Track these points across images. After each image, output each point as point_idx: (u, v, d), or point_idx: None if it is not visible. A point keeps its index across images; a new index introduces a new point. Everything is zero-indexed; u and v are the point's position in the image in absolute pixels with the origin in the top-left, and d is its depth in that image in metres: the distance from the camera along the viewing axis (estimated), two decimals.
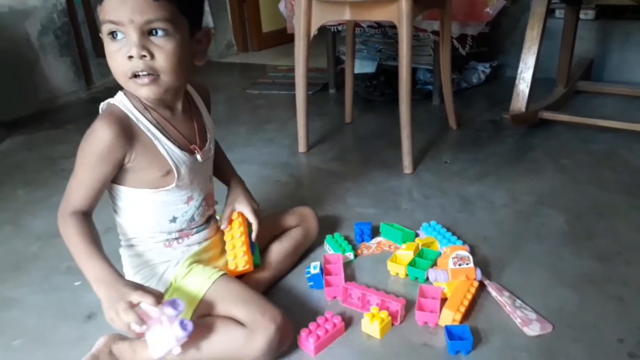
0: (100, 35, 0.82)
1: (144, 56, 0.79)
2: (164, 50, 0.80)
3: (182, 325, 0.79)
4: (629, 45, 2.45)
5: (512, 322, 0.97)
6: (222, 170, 1.12)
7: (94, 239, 0.84)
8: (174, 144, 0.90)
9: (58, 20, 2.54)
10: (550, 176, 1.58)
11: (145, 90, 0.82)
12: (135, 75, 0.80)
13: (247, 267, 1.00)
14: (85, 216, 0.86)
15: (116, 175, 0.88)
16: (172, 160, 0.89)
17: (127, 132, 0.85)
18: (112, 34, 0.79)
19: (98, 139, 0.83)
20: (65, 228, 0.85)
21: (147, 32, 0.79)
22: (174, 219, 0.95)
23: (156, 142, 0.88)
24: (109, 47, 0.80)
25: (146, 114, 0.88)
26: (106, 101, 0.89)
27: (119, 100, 0.88)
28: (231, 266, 1.01)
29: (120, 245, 0.99)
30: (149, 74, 0.80)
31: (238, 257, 1.01)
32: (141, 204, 0.92)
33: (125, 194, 0.91)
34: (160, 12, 0.78)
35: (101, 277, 0.80)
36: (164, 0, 0.78)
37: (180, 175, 0.91)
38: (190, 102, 0.98)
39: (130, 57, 0.79)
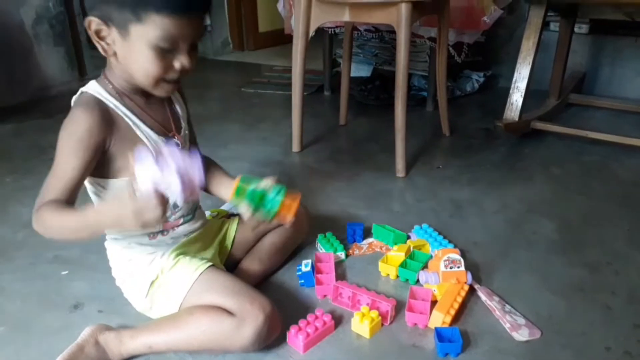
0: (115, 32, 0.79)
1: None
2: (195, 57, 0.85)
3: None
4: (620, 61, 2.49)
5: (501, 327, 0.97)
6: (220, 179, 1.03)
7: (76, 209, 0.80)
8: (150, 129, 0.90)
9: (53, 9, 2.52)
10: (541, 185, 1.60)
11: (168, 91, 0.88)
12: (165, 80, 0.84)
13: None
14: (63, 202, 0.80)
15: (96, 168, 0.86)
16: (151, 144, 0.89)
17: (105, 116, 0.84)
18: (161, 49, 0.79)
19: (77, 124, 0.82)
20: (43, 216, 0.79)
21: None
22: None
23: (134, 127, 0.88)
24: (150, 51, 0.79)
25: (121, 101, 0.87)
26: (79, 91, 0.88)
27: (93, 88, 0.87)
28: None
29: (105, 239, 0.98)
30: (179, 79, 0.85)
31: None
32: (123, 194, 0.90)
33: (107, 185, 0.89)
34: (203, 28, 0.84)
35: (109, 206, 0.80)
36: (203, 17, 0.83)
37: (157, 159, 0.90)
38: None
39: (181, 67, 0.82)
